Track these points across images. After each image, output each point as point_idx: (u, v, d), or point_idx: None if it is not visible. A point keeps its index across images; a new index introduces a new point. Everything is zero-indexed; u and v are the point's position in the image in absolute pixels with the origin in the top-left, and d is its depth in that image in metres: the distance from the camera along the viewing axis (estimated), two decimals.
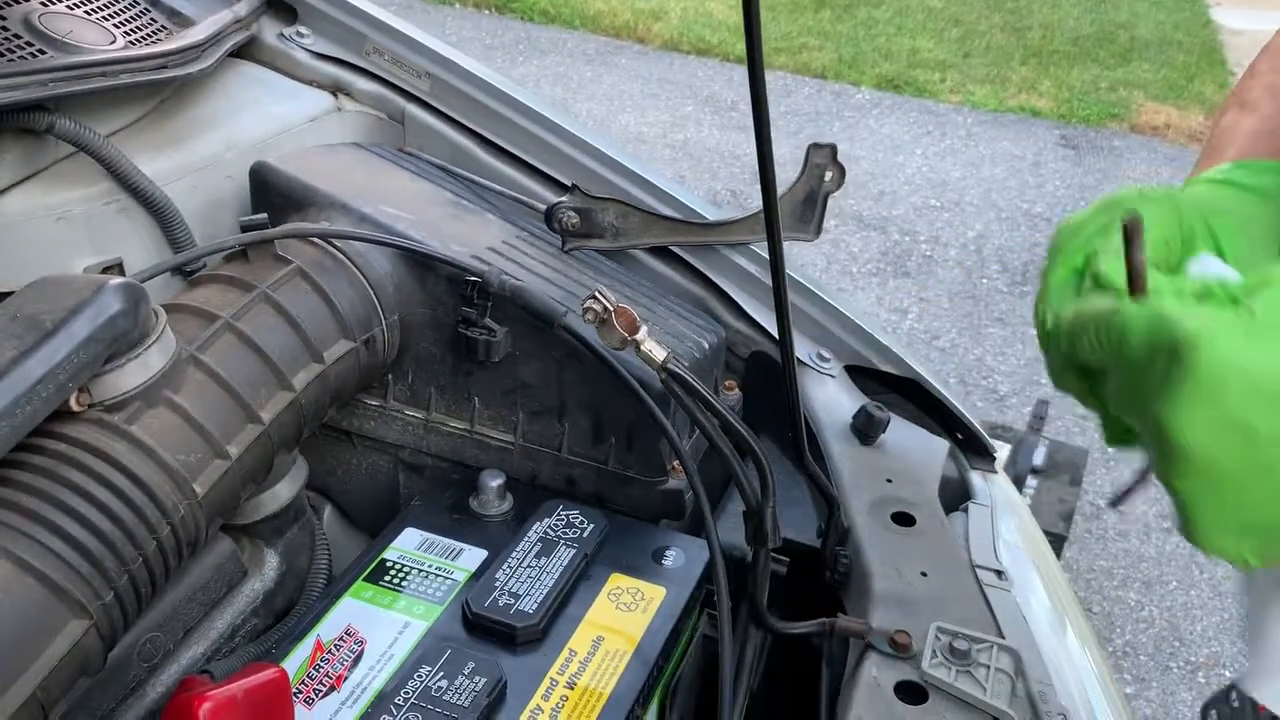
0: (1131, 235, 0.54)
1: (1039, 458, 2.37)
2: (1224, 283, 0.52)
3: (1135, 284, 0.54)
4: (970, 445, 1.09)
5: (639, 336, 0.81)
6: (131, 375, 0.73)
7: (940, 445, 1.06)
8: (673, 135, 4.62)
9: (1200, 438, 0.48)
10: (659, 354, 0.81)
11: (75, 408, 0.71)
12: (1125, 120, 5.05)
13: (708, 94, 5.02)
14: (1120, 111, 5.11)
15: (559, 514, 0.91)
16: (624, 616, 0.83)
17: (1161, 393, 0.49)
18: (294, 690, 0.73)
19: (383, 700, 0.73)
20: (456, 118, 1.18)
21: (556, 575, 0.84)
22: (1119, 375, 0.53)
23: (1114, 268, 0.57)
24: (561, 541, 0.88)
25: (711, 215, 1.15)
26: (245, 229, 0.87)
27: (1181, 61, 5.66)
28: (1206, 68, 5.61)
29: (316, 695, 0.74)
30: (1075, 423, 2.99)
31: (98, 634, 0.68)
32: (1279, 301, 0.49)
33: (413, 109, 1.19)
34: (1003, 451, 2.25)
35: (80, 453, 0.69)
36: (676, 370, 0.81)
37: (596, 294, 0.81)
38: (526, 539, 0.88)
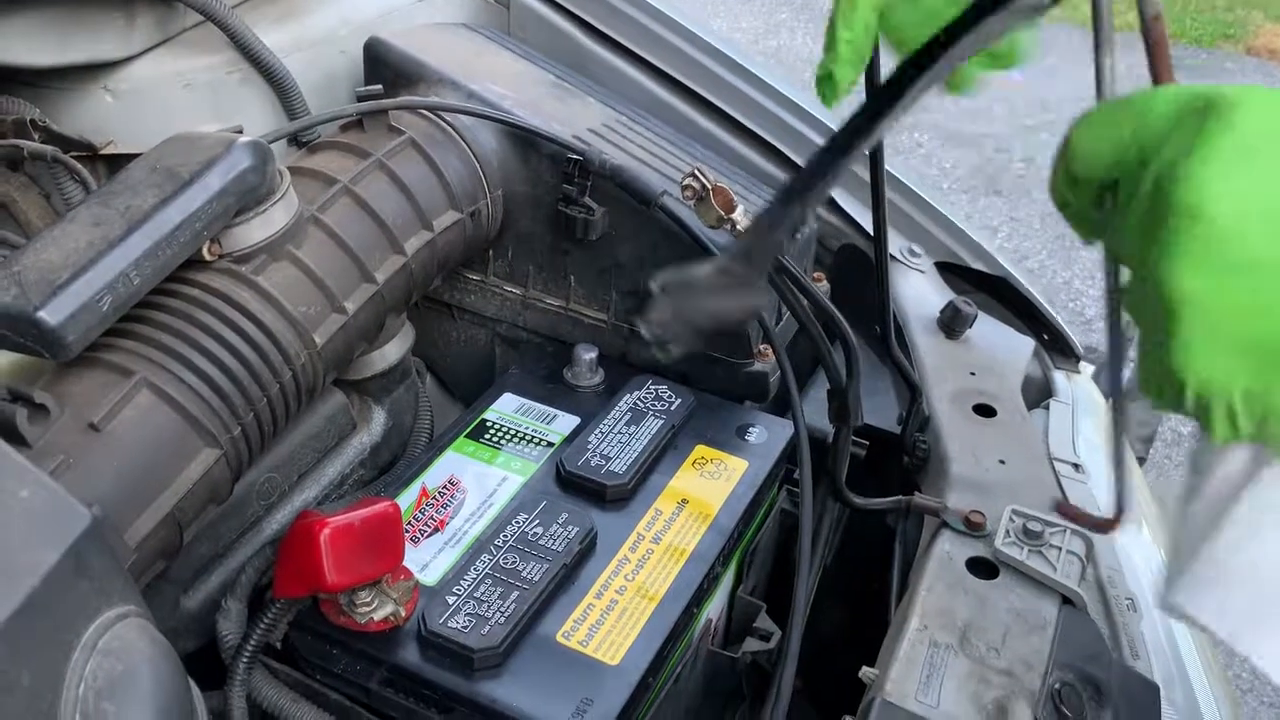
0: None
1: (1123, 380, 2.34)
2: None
3: (1160, 69, 0.45)
4: (1056, 346, 1.10)
5: (735, 215, 0.83)
6: (258, 229, 0.78)
7: (1025, 343, 1.07)
8: (765, 42, 4.54)
9: (1228, 204, 0.37)
10: None
11: (207, 257, 0.76)
12: (1240, 41, 4.83)
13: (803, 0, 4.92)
14: (1236, 32, 4.88)
15: (648, 388, 0.95)
16: (708, 484, 0.87)
17: (1187, 154, 0.39)
18: None
19: (483, 542, 0.78)
20: (560, 1, 1.20)
21: (645, 442, 0.88)
22: (1129, 174, 0.42)
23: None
24: (650, 413, 0.92)
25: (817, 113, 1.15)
26: (361, 99, 0.91)
27: None
28: None
29: (422, 535, 0.80)
30: None
31: (226, 464, 0.73)
32: None
33: None
34: (1087, 372, 2.25)
35: (213, 298, 0.75)
36: None
37: (696, 171, 0.83)
38: (617, 408, 0.92)
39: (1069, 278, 3.29)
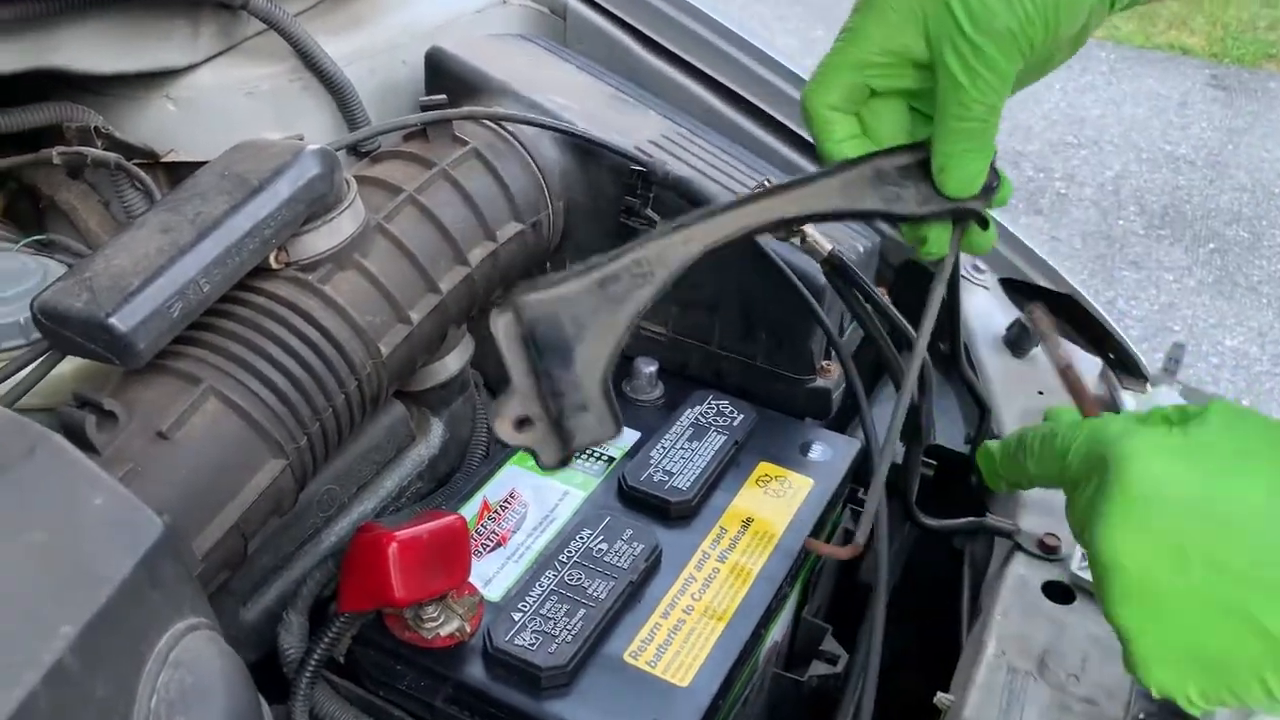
0: (1064, 371, 0.62)
1: (1172, 402, 2.31)
2: (1173, 406, 0.53)
3: (1083, 403, 0.60)
4: (1123, 365, 1.07)
5: (806, 227, 0.82)
6: (325, 238, 0.77)
7: (1092, 363, 1.04)
8: (802, 61, 4.51)
9: (1132, 557, 0.48)
10: (825, 245, 0.82)
11: (274, 265, 0.76)
12: None
13: (839, 17, 4.90)
14: (1278, 52, 4.83)
15: (709, 403, 0.93)
16: (772, 503, 0.85)
17: (1097, 510, 0.49)
18: None
19: (547, 557, 0.77)
20: (617, 13, 1.19)
21: (708, 458, 0.87)
22: (1068, 496, 0.55)
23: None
24: (713, 428, 0.90)
25: None
26: (425, 109, 0.90)
27: None
28: None
29: (484, 549, 0.79)
30: (1209, 371, 2.89)
31: (292, 475, 0.72)
32: (1213, 425, 0.50)
33: (574, 3, 1.20)
34: (1154, 393, 2.20)
35: (280, 307, 0.74)
36: (841, 260, 0.81)
37: (766, 182, 0.82)
38: (679, 423, 0.90)
39: (1112, 297, 3.25)
